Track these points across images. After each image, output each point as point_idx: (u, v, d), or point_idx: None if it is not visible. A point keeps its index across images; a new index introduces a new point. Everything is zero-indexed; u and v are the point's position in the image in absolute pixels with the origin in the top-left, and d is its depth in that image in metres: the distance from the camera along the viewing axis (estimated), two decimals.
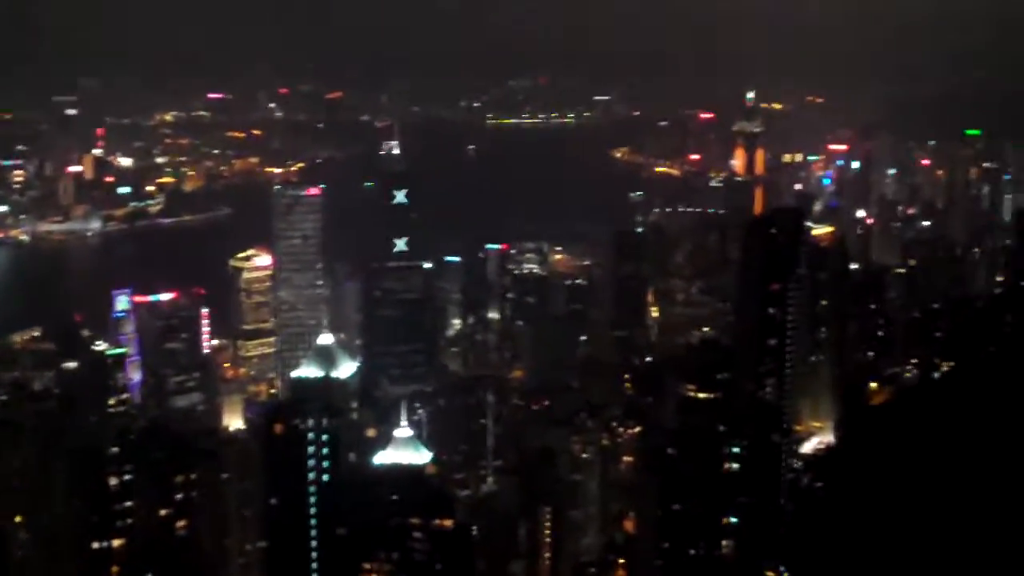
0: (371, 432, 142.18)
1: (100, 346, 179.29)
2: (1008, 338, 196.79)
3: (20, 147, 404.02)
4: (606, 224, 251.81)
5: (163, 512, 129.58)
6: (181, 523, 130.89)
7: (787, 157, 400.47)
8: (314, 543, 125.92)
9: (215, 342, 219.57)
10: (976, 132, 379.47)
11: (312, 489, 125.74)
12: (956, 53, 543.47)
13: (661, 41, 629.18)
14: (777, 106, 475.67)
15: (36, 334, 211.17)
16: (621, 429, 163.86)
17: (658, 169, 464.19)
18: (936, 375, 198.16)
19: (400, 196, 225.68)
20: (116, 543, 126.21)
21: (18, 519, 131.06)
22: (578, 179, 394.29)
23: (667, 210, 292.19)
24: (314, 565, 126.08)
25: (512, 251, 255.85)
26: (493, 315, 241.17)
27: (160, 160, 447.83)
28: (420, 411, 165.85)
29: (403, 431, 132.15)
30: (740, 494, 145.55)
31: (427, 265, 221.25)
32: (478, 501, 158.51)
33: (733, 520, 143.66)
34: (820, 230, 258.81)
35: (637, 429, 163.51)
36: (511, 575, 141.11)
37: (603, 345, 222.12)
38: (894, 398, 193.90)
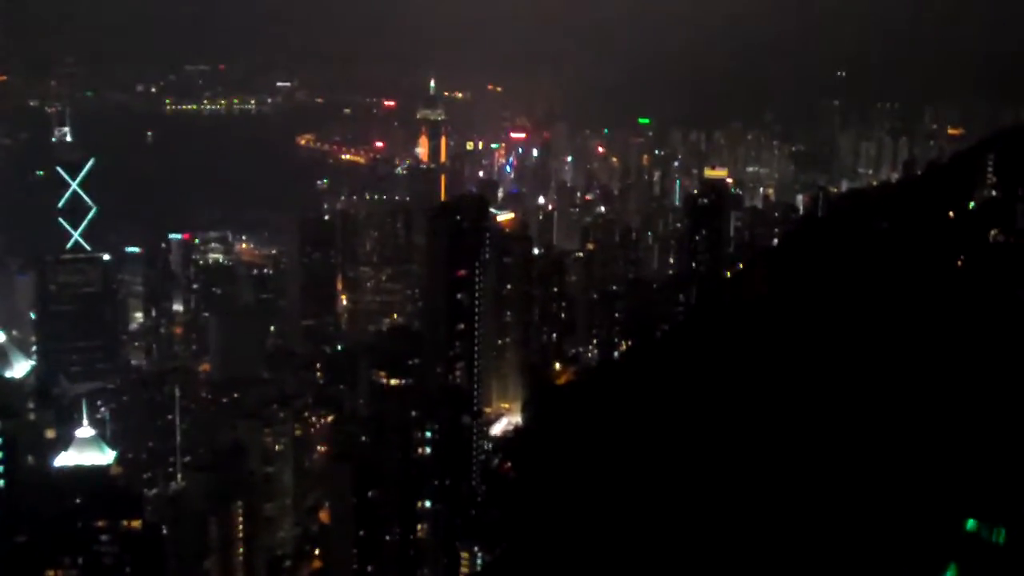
0: (50, 433, 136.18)
1: None
2: (680, 317, 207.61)
3: None
4: (292, 212, 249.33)
5: None
6: None
7: (470, 145, 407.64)
8: None
9: None
10: (647, 121, 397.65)
11: None
12: (632, 42, 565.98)
13: (342, 29, 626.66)
14: (459, 94, 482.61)
15: None
16: (313, 419, 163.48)
17: (344, 157, 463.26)
18: (616, 354, 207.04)
19: (75, 185, 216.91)
20: None
21: None
22: (263, 167, 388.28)
23: (354, 198, 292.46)
24: None
25: (196, 241, 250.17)
26: (178, 307, 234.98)
27: None
28: (103, 409, 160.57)
29: (85, 431, 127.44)
30: (433, 477, 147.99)
31: (106, 257, 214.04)
32: (167, 499, 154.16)
33: (427, 504, 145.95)
34: (504, 216, 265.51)
35: (330, 418, 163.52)
36: (204, 572, 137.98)
37: (293, 334, 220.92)
38: (577, 377, 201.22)
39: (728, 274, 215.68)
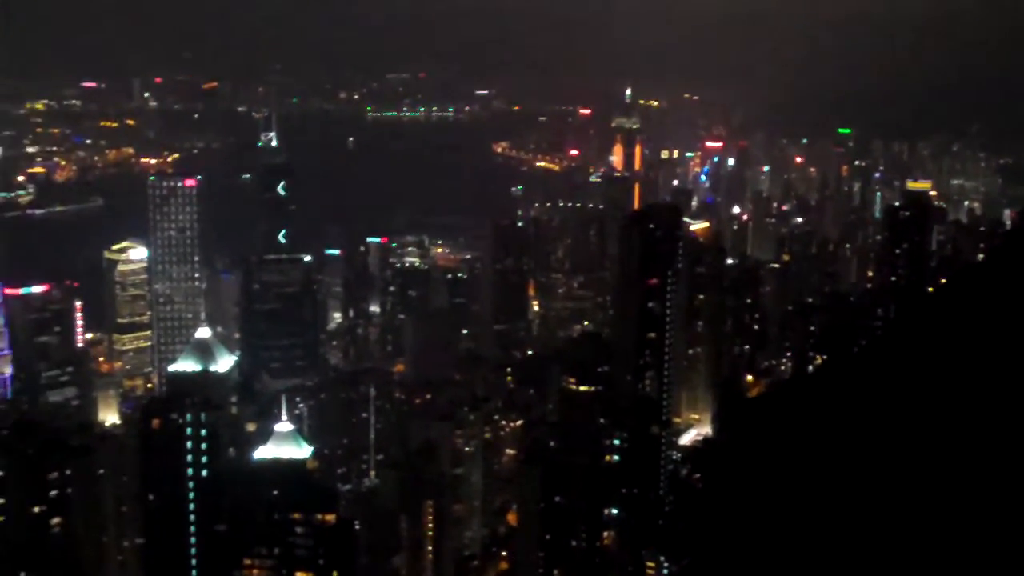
0: (251, 427, 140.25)
1: None
2: (879, 332, 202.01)
3: None
4: (487, 218, 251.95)
5: (36, 509, 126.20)
6: (55, 520, 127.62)
7: (664, 153, 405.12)
8: (193, 539, 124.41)
9: (89, 336, 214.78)
10: (847, 130, 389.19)
11: (191, 485, 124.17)
12: (829, 53, 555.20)
13: (540, 37, 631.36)
14: (655, 103, 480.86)
15: None
16: (503, 422, 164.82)
17: (539, 164, 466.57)
18: (810, 368, 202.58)
19: (279, 188, 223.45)
20: None
21: None
22: (459, 173, 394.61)
23: (547, 205, 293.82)
24: (193, 562, 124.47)
25: (393, 244, 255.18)
26: (374, 308, 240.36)
27: (31, 150, 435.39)
28: (301, 405, 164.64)
29: (284, 425, 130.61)
30: (621, 485, 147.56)
31: (307, 258, 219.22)
32: (360, 495, 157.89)
33: (614, 511, 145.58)
34: (697, 226, 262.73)
35: (519, 422, 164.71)
36: (393, 569, 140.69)
37: (484, 339, 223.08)
38: (769, 390, 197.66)
39: (930, 289, 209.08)
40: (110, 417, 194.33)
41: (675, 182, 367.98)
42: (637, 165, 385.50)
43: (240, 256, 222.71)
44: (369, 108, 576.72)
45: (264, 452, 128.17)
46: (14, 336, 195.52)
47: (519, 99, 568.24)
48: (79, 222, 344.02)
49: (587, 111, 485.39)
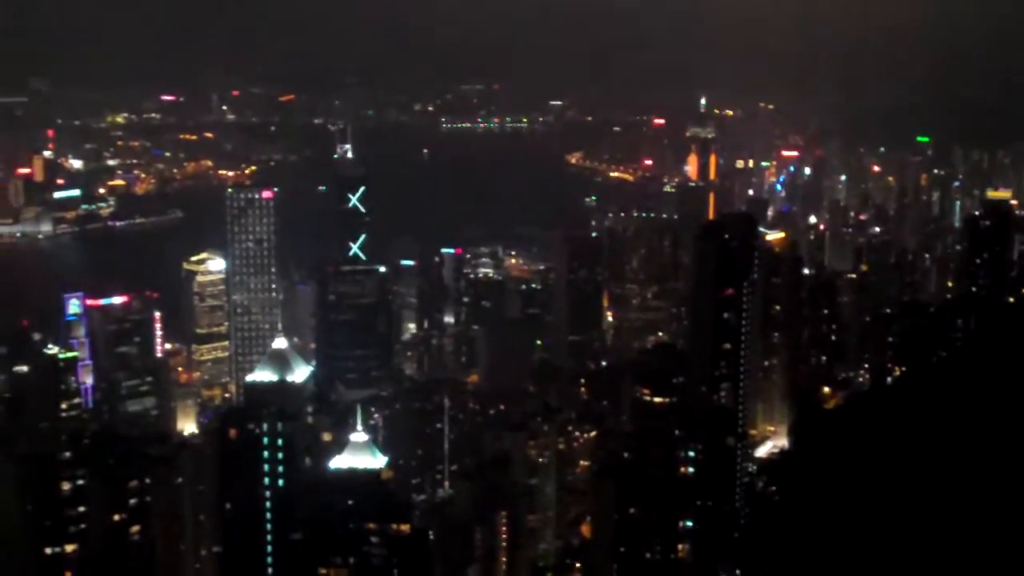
0: (327, 437, 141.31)
1: (51, 350, 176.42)
2: (959, 344, 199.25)
3: None
4: (561, 229, 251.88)
5: (116, 517, 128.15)
6: (134, 528, 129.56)
7: (740, 163, 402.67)
8: (269, 548, 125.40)
9: (168, 346, 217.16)
10: (926, 139, 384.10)
11: (267, 494, 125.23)
12: (906, 60, 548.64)
13: (615, 47, 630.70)
14: (729, 112, 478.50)
15: None
16: (577, 433, 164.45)
17: (612, 174, 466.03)
18: (888, 380, 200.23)
19: (354, 199, 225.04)
20: (69, 548, 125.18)
21: None
22: (533, 184, 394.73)
23: (621, 215, 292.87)
24: (270, 571, 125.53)
25: (467, 255, 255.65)
26: (449, 319, 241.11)
27: (112, 162, 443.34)
28: (376, 415, 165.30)
29: (359, 435, 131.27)
30: (696, 498, 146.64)
31: (382, 269, 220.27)
32: (434, 506, 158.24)
33: (689, 524, 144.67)
34: (773, 235, 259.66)
35: (593, 433, 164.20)
36: None
37: (558, 349, 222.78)
38: (847, 403, 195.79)
39: (1011, 300, 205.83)
40: (188, 427, 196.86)
41: (751, 192, 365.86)
42: (712, 175, 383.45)
43: (316, 267, 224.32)
44: (444, 120, 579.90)
45: (340, 462, 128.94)
46: (95, 346, 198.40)
47: (593, 110, 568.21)
48: (159, 234, 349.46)
49: (661, 121, 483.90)
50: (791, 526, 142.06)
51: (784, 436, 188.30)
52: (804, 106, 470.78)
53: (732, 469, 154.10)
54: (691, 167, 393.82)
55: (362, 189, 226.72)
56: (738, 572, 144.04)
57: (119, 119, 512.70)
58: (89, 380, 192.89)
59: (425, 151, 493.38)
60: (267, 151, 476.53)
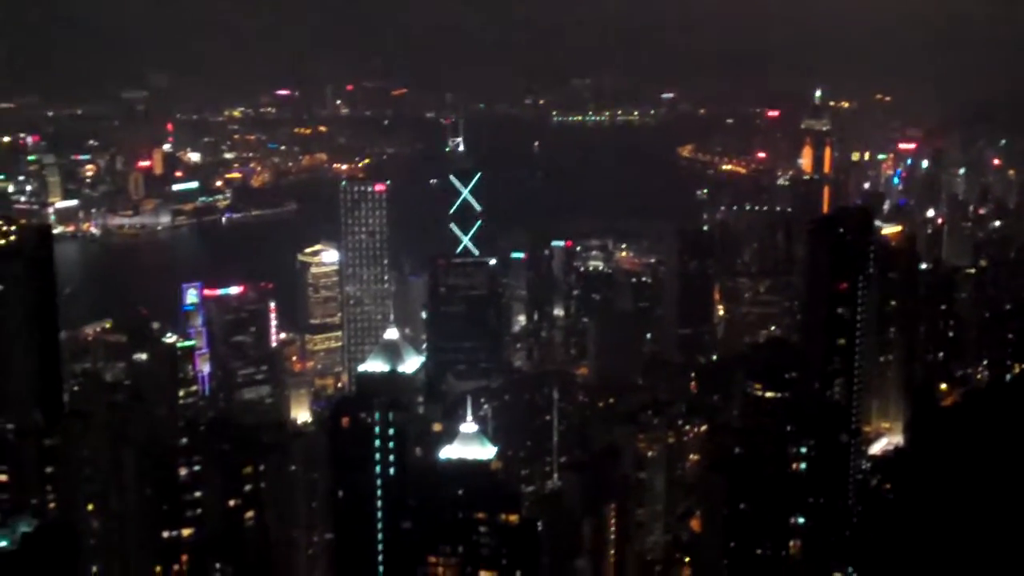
0: (437, 427, 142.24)
1: (170, 339, 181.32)
2: None
3: (91, 142, 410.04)
4: (672, 222, 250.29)
5: (231, 503, 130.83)
6: (249, 514, 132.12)
7: (855, 155, 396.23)
8: (380, 536, 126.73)
9: (283, 336, 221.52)
10: None
11: (378, 482, 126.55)
12: None
13: (726, 39, 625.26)
14: (845, 104, 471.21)
15: (107, 326, 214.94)
16: (687, 427, 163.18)
17: (724, 167, 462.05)
18: (1008, 377, 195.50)
19: (466, 192, 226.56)
20: (185, 532, 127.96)
21: (90, 507, 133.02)
22: (643, 176, 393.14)
23: (734, 208, 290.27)
24: (380, 558, 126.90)
25: (577, 248, 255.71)
26: (558, 312, 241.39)
27: (228, 156, 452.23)
28: (485, 406, 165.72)
29: (469, 426, 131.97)
30: (807, 494, 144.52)
31: (492, 261, 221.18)
32: (543, 497, 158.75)
33: (800, 520, 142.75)
34: (889, 229, 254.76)
35: (703, 427, 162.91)
36: (576, 572, 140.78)
37: (668, 343, 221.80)
38: (964, 400, 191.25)
39: None
40: (301, 415, 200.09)
41: (866, 185, 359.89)
42: (827, 168, 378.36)
43: (427, 259, 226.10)
44: (554, 113, 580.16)
45: (449, 452, 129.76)
46: (212, 335, 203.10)
47: (705, 102, 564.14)
48: (274, 226, 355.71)
49: (775, 113, 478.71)
50: (905, 525, 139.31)
51: (899, 433, 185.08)
52: (922, 97, 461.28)
53: (845, 466, 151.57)
54: (805, 160, 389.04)
55: (473, 182, 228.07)
56: (850, 570, 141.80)
57: (236, 113, 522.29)
58: (206, 368, 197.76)
59: (536, 144, 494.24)
60: (380, 144, 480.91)
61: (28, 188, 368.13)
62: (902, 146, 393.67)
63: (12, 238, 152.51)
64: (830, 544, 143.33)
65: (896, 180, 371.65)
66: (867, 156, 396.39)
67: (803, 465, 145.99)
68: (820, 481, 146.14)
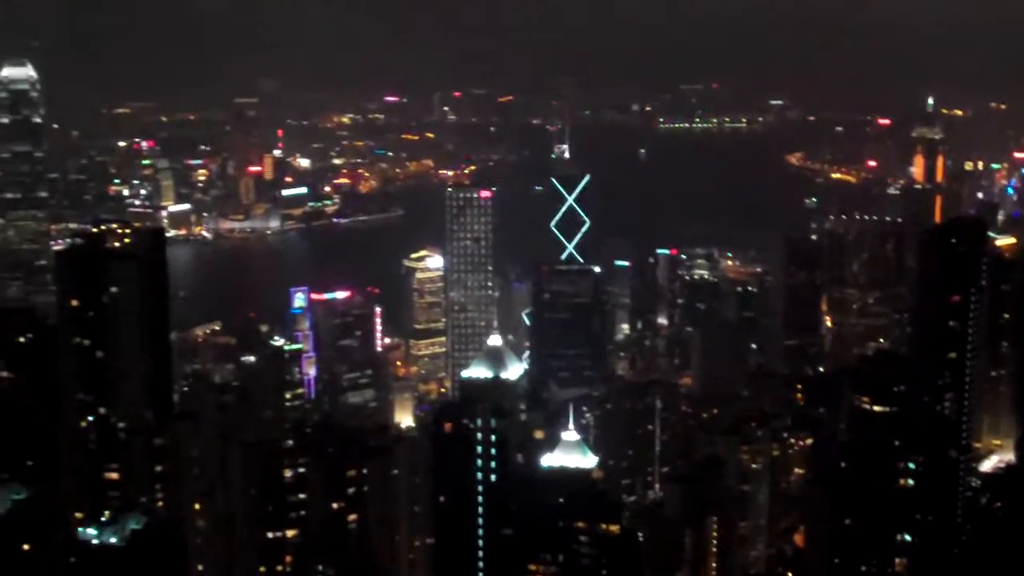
0: (538, 434, 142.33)
1: (278, 342, 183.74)
2: None
3: (203, 147, 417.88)
4: (779, 231, 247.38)
5: (335, 505, 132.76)
6: (352, 517, 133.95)
7: (968, 165, 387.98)
8: (480, 542, 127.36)
9: (388, 340, 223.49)
10: None
11: (480, 488, 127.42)
12: None
13: (837, 45, 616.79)
14: (958, 112, 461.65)
15: (216, 328, 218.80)
16: (791, 440, 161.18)
17: (833, 175, 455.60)
18: None
19: (571, 199, 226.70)
20: (290, 533, 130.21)
21: (196, 506, 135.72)
22: (751, 184, 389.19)
23: (843, 217, 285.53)
24: (480, 564, 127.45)
25: (682, 256, 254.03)
26: (662, 320, 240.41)
27: (337, 161, 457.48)
28: (587, 415, 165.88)
29: (570, 434, 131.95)
30: (915, 511, 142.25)
31: (597, 269, 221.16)
32: (644, 507, 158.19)
33: (907, 538, 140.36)
34: (1003, 241, 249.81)
35: (808, 441, 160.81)
36: None
37: (774, 354, 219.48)
38: None
39: None
40: (405, 420, 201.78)
41: (980, 195, 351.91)
42: (939, 177, 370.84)
43: (532, 266, 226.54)
44: (661, 119, 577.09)
45: (551, 460, 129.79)
46: (319, 339, 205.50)
47: (814, 109, 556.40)
48: (380, 231, 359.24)
49: (886, 121, 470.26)
50: (1016, 544, 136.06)
51: (1011, 450, 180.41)
52: None
53: (954, 483, 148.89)
54: (917, 169, 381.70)
55: (579, 189, 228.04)
56: None
57: (344, 119, 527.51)
58: (312, 371, 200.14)
59: (642, 151, 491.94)
60: (486, 151, 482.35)
61: (143, 192, 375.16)
62: (1017, 155, 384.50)
63: (127, 241, 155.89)
64: (937, 563, 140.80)
65: (1010, 190, 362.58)
66: (980, 165, 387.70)
67: (911, 481, 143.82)
68: (928, 498, 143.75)
